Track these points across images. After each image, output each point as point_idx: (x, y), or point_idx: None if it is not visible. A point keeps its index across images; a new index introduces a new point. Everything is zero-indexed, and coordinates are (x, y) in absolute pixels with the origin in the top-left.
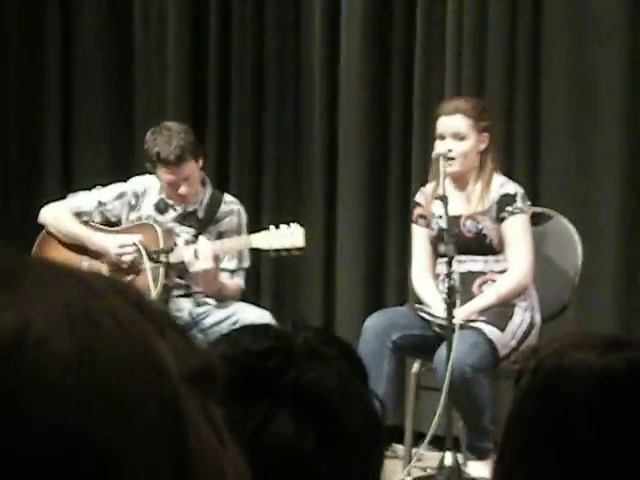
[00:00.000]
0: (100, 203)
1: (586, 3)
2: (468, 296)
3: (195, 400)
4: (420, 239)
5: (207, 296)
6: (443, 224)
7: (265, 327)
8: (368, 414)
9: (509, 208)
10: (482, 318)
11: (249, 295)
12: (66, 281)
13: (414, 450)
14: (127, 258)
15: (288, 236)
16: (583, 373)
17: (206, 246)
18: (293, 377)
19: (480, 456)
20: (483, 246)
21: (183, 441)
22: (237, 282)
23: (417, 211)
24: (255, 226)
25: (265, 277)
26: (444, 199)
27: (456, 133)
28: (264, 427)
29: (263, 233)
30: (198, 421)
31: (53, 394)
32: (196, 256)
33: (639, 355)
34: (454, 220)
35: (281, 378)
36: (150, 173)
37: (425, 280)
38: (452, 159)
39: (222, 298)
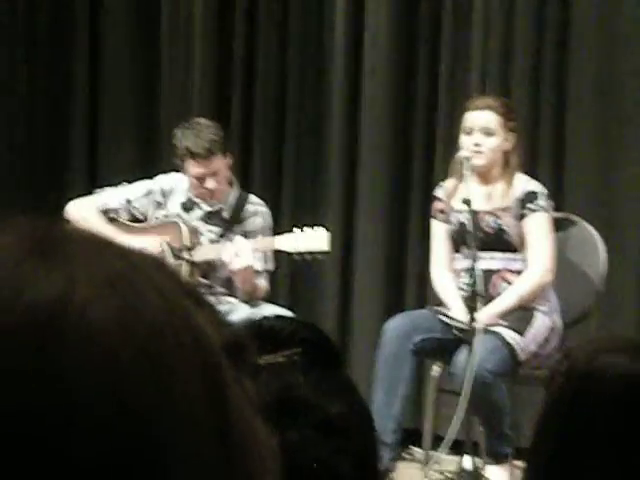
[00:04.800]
0: (128, 201)
1: (617, 3)
2: (486, 294)
3: (231, 371)
4: (439, 234)
5: (230, 295)
6: (467, 223)
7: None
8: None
9: (531, 206)
10: (502, 322)
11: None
12: (107, 251)
13: (432, 453)
14: None
15: (313, 239)
16: (614, 377)
17: (245, 244)
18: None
19: (498, 460)
20: (502, 242)
21: (224, 408)
22: (263, 283)
23: (436, 205)
24: (274, 228)
25: (282, 278)
26: (468, 202)
27: (485, 128)
28: None
29: (288, 235)
30: (236, 390)
31: (96, 356)
32: (237, 254)
33: None
34: (474, 215)
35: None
36: (177, 171)
37: (444, 279)
38: (480, 152)
39: (251, 298)
